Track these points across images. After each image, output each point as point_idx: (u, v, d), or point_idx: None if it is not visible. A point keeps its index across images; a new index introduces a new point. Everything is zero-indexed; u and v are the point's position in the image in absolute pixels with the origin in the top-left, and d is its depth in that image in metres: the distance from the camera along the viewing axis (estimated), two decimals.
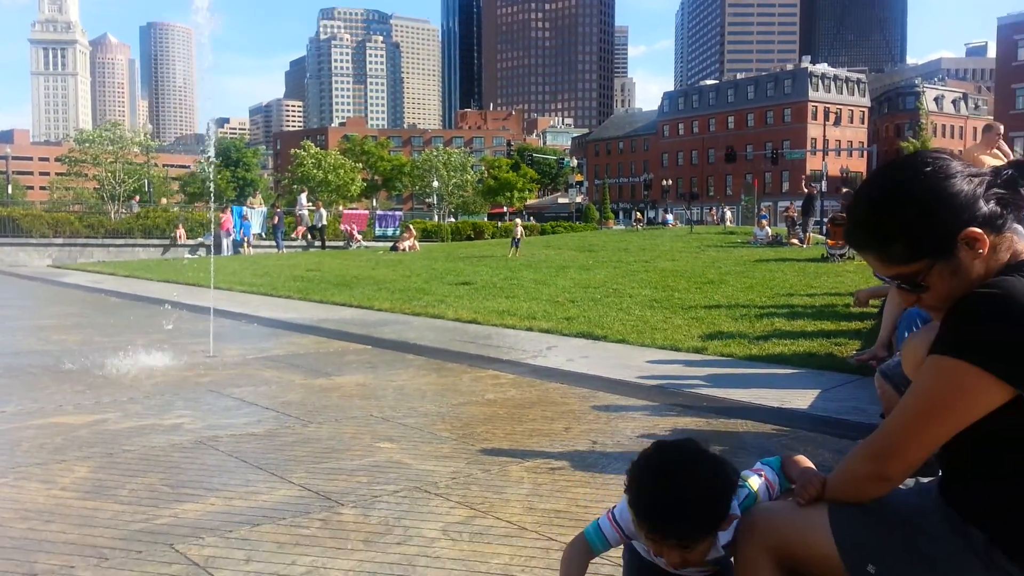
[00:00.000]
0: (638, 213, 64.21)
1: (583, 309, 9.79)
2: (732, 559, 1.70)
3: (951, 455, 1.48)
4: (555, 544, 2.85)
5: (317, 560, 2.73)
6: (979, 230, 1.43)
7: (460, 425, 4.61)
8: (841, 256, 15.73)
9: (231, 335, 8.28)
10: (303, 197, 33.98)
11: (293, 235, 31.59)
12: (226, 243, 28.53)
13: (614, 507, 1.81)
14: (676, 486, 1.59)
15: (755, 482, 1.76)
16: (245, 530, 3.00)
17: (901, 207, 1.46)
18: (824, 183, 50.84)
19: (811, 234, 22.85)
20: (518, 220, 32.61)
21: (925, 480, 1.69)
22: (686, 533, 1.61)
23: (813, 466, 1.79)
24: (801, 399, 5.18)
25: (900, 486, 1.55)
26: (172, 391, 5.54)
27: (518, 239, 21.67)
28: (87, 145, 52.86)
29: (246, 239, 29.38)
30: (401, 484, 3.52)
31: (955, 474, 1.52)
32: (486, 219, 62.83)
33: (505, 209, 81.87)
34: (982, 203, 1.45)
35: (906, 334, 3.66)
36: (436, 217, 63.37)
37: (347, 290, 12.91)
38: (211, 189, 50.18)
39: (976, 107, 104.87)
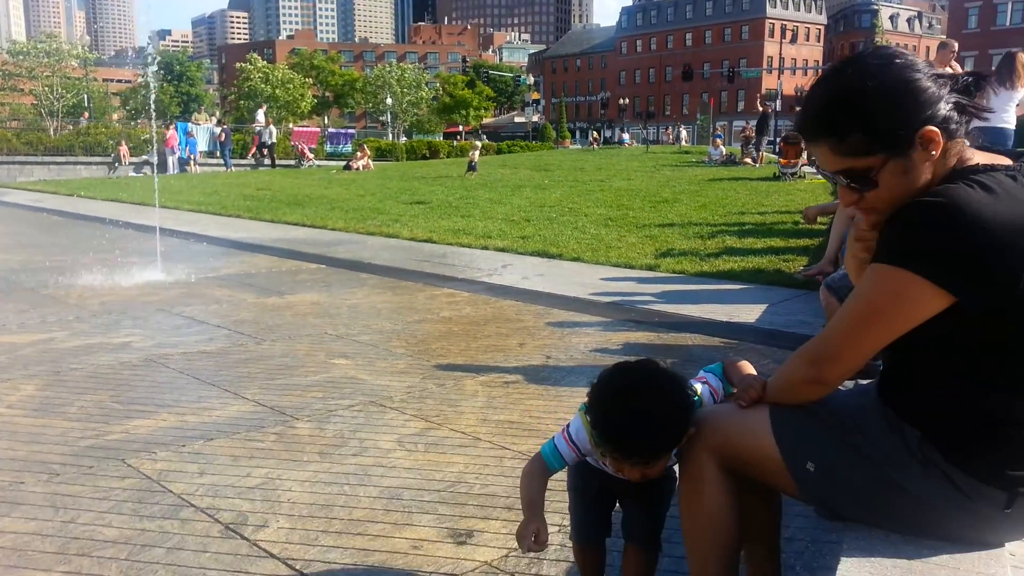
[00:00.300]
0: (595, 132, 63.56)
1: (538, 228, 9.79)
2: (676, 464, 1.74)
3: (889, 357, 1.52)
4: (508, 452, 2.91)
5: (272, 472, 2.75)
6: (937, 130, 1.43)
7: (415, 342, 4.63)
8: (792, 175, 15.89)
9: (180, 254, 8.13)
10: (261, 113, 32.88)
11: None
12: (172, 161, 27.68)
13: (568, 425, 1.82)
14: (641, 408, 1.60)
15: (698, 387, 1.80)
16: (199, 444, 3.00)
17: (869, 94, 1.44)
18: (779, 102, 50.69)
19: (764, 153, 22.94)
20: (477, 143, 31.71)
21: (864, 382, 1.74)
22: (650, 452, 1.63)
23: (754, 371, 1.83)
24: (749, 313, 5.30)
25: (840, 388, 1.59)
26: (119, 310, 5.44)
27: (475, 163, 21.04)
28: (21, 58, 50.28)
29: (192, 157, 28.48)
30: (356, 399, 3.55)
31: (893, 374, 1.56)
32: (441, 138, 61.76)
33: (460, 128, 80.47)
34: (943, 105, 1.45)
35: None
36: (390, 136, 62.06)
37: (299, 209, 12.69)
38: (152, 104, 48.36)
39: (930, 26, 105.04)
